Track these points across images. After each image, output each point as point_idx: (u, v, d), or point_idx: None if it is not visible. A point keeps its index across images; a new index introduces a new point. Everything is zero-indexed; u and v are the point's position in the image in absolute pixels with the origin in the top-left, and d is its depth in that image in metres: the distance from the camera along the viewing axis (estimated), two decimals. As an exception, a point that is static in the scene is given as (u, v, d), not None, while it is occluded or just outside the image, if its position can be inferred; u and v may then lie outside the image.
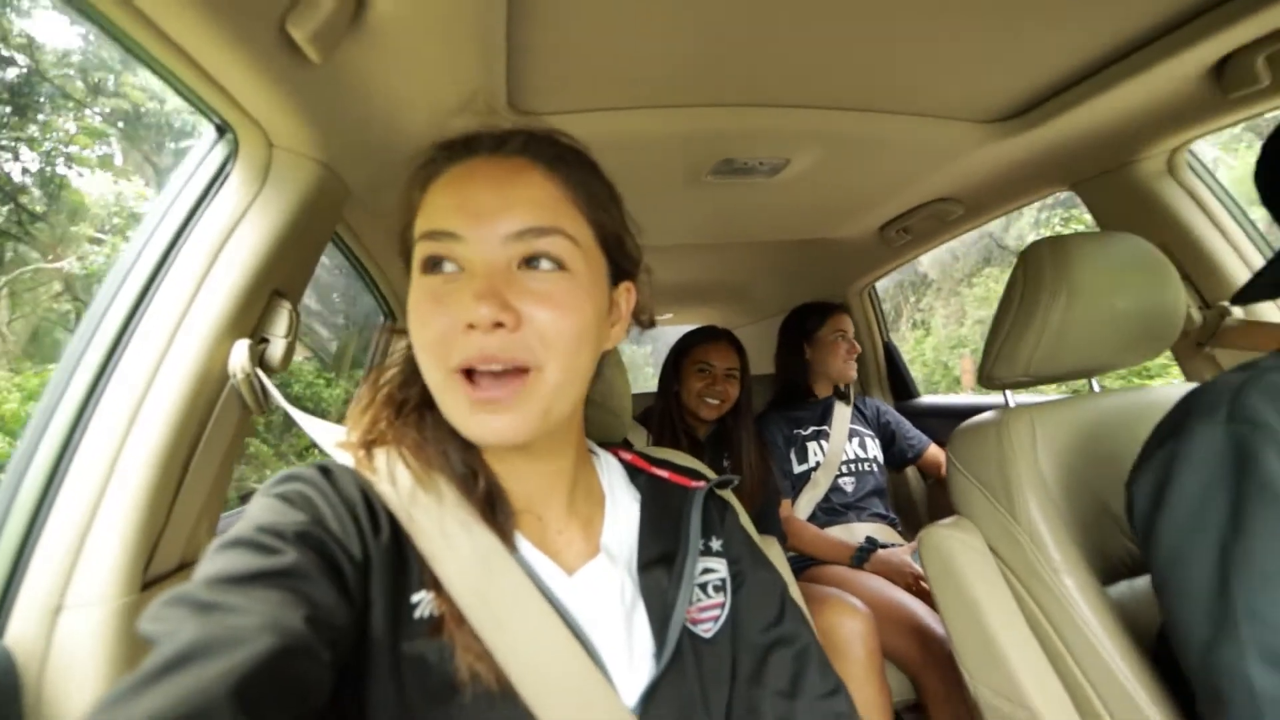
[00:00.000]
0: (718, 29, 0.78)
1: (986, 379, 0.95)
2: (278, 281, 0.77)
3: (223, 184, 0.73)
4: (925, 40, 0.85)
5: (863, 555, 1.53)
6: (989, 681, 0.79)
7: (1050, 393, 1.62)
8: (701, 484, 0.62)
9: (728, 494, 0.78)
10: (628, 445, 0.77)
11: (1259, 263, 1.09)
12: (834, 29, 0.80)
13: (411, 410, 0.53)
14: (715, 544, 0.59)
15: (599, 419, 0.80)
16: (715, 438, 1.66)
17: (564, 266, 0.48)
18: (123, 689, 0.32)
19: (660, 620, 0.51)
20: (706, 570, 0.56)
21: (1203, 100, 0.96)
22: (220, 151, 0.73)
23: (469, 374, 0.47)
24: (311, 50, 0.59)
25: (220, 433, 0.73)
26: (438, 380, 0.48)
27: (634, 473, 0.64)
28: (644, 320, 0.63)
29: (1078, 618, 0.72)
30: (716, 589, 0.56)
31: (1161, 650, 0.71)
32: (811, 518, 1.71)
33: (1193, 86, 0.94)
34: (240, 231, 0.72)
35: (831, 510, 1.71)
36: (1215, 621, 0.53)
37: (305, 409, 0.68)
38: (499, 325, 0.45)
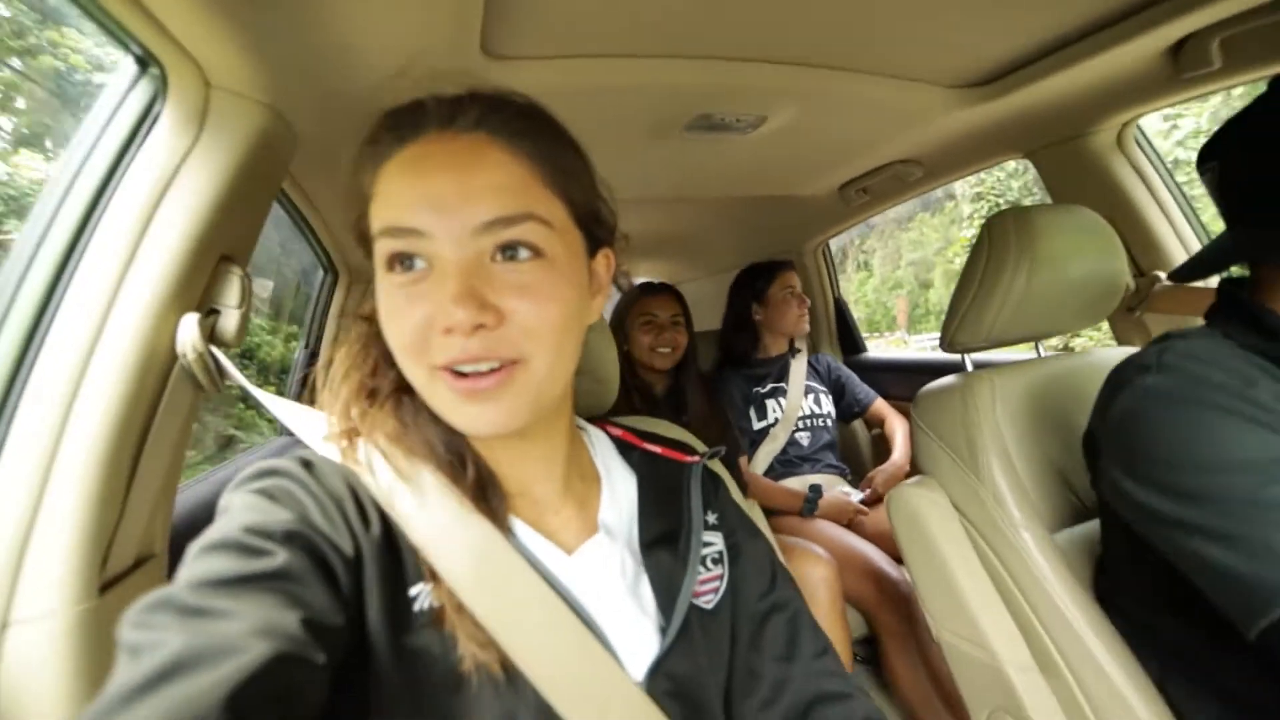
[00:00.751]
0: None
1: (949, 344, 0.99)
2: (226, 245, 0.69)
3: (150, 129, 0.62)
4: (902, 2, 0.84)
5: (811, 504, 1.62)
6: (952, 626, 0.86)
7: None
8: (696, 459, 0.62)
9: (715, 464, 0.79)
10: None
11: (1187, 233, 1.19)
12: None
13: (387, 397, 0.50)
14: (711, 518, 0.59)
15: (587, 388, 0.78)
16: (671, 395, 1.68)
17: (540, 253, 0.44)
18: (110, 701, 0.30)
19: (666, 596, 0.52)
20: (706, 544, 0.57)
21: (1157, 78, 1.01)
22: (143, 90, 0.62)
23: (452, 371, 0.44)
24: None
25: (172, 416, 0.65)
26: (421, 377, 0.45)
27: (626, 449, 0.63)
28: (621, 283, 0.60)
29: (1033, 567, 0.79)
30: (715, 561, 0.57)
31: (1101, 588, 0.79)
32: (769, 470, 1.78)
33: (1150, 65, 0.98)
34: (178, 186, 0.63)
35: (788, 463, 1.79)
36: (1226, 526, 0.56)
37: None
38: (480, 327, 0.42)
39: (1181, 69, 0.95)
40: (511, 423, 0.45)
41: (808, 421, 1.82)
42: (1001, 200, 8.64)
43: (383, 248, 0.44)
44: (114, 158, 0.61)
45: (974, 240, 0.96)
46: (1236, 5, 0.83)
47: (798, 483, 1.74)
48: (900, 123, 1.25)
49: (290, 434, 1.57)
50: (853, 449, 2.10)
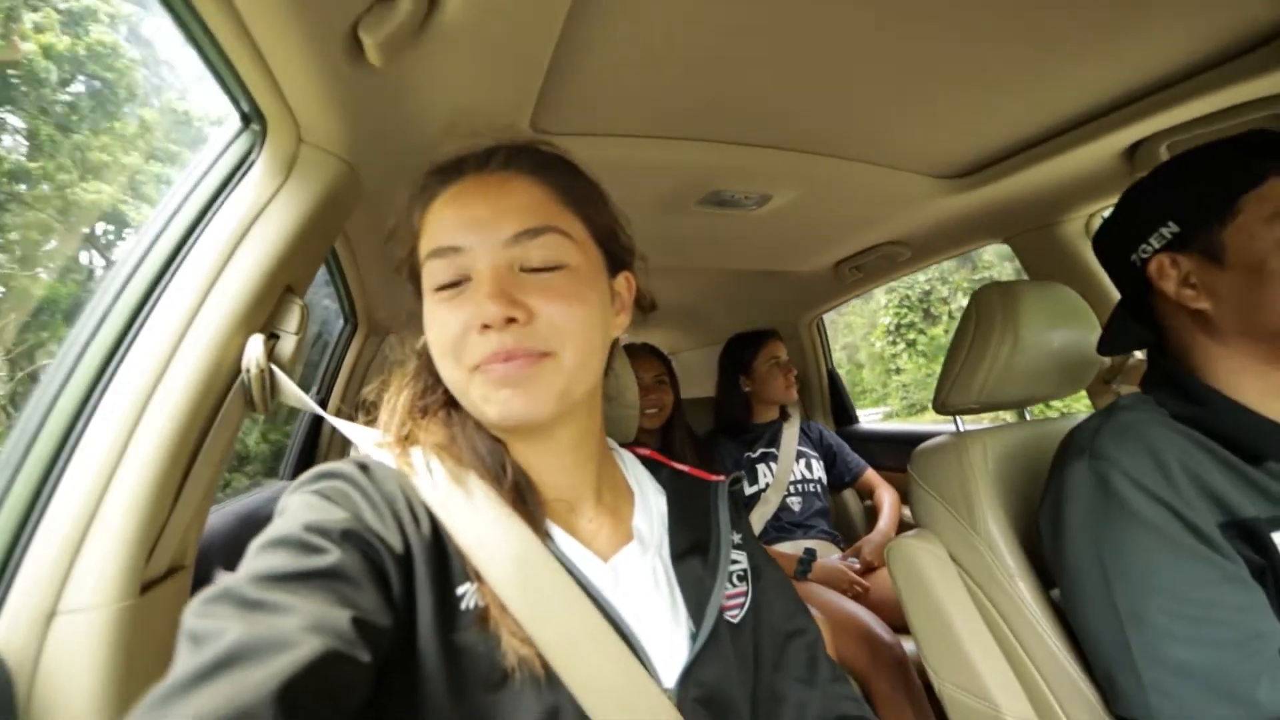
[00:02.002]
0: (726, 71, 0.86)
1: (941, 405, 1.06)
2: (290, 277, 0.76)
3: (244, 176, 0.71)
4: (893, 101, 0.97)
5: (805, 566, 1.63)
6: (954, 679, 0.87)
7: (984, 420, 1.81)
8: (721, 478, 0.67)
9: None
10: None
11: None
12: (817, 81, 0.90)
13: (436, 411, 0.55)
14: (736, 537, 0.63)
15: (614, 414, 0.83)
16: (661, 453, 1.71)
17: (563, 262, 0.51)
18: (168, 689, 0.32)
19: (696, 604, 0.54)
20: (733, 560, 0.60)
21: (1115, 177, 1.15)
22: (244, 142, 0.72)
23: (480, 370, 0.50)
24: (376, 55, 0.60)
25: (224, 430, 0.70)
26: (459, 379, 0.51)
27: (655, 467, 0.68)
28: (645, 305, 0.66)
29: (1030, 616, 0.82)
30: (740, 578, 0.60)
31: None
32: (762, 535, 1.79)
33: (1107, 165, 1.12)
34: (260, 224, 0.71)
35: (781, 528, 1.80)
36: (1109, 626, 0.66)
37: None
38: (512, 320, 0.48)
39: (1135, 169, 1.09)
40: (540, 410, 0.50)
41: (799, 486, 1.85)
42: (911, 291, 9.21)
43: (431, 270, 0.51)
44: (210, 196, 0.69)
45: (963, 311, 1.05)
46: (1181, 115, 0.97)
47: (791, 548, 1.75)
48: (891, 207, 1.38)
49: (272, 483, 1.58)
50: (845, 518, 2.11)
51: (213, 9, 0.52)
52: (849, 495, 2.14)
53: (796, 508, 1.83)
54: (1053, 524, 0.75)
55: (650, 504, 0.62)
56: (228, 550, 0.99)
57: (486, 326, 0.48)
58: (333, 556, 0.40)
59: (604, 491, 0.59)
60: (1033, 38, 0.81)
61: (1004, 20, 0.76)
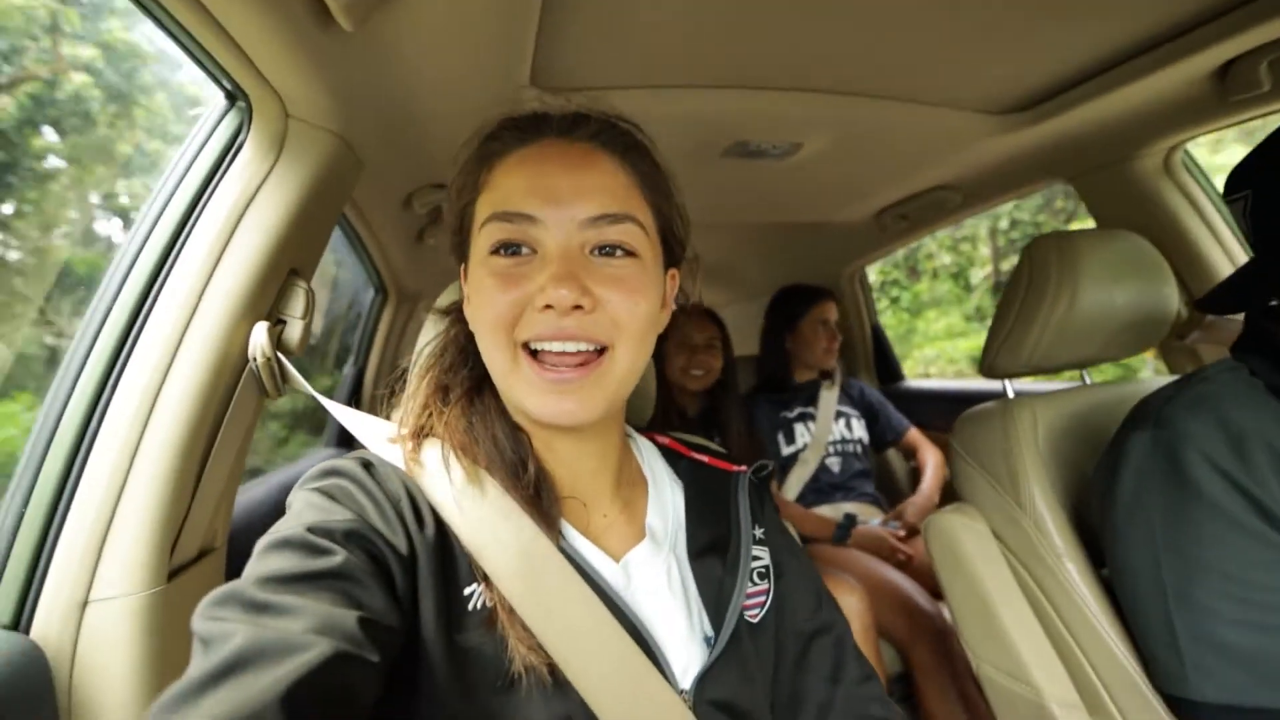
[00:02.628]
0: (738, 11, 0.77)
1: (989, 369, 0.98)
2: (293, 260, 0.74)
3: (234, 157, 0.69)
4: (940, 31, 0.85)
5: (844, 531, 1.58)
6: (992, 659, 0.83)
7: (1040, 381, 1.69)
8: (743, 469, 0.63)
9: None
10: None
11: (1243, 259, 1.15)
12: (852, 16, 0.80)
13: (460, 397, 0.53)
14: (758, 532, 0.60)
15: (631, 401, 0.80)
16: (705, 415, 1.68)
17: (635, 253, 0.49)
18: (179, 693, 0.32)
19: (715, 606, 0.52)
20: (754, 557, 0.57)
21: (1204, 102, 0.99)
22: (231, 122, 0.69)
23: (534, 354, 0.47)
24: (343, 17, 0.55)
25: (239, 417, 0.71)
26: (504, 359, 0.48)
27: (673, 457, 0.64)
28: (688, 305, 0.64)
29: (1078, 599, 0.77)
30: (761, 575, 0.57)
31: None
32: (800, 497, 1.75)
33: (1196, 88, 0.97)
34: (256, 207, 0.69)
35: (820, 490, 1.76)
36: (1154, 600, 0.63)
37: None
38: (577, 308, 0.45)
39: (1229, 91, 0.94)
40: (590, 415, 0.48)
41: (838, 447, 1.79)
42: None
43: (490, 231, 0.48)
44: (203, 180, 0.68)
45: (1015, 265, 0.95)
46: None
47: (830, 510, 1.71)
48: (938, 149, 1.25)
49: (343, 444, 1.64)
50: (889, 479, 2.05)
51: None
52: (893, 455, 2.07)
53: (836, 469, 1.78)
54: (1104, 491, 0.70)
55: (666, 498, 0.59)
56: (270, 524, 1.03)
57: (549, 307, 0.45)
58: (338, 557, 0.40)
59: (621, 483, 0.57)
60: None
61: None
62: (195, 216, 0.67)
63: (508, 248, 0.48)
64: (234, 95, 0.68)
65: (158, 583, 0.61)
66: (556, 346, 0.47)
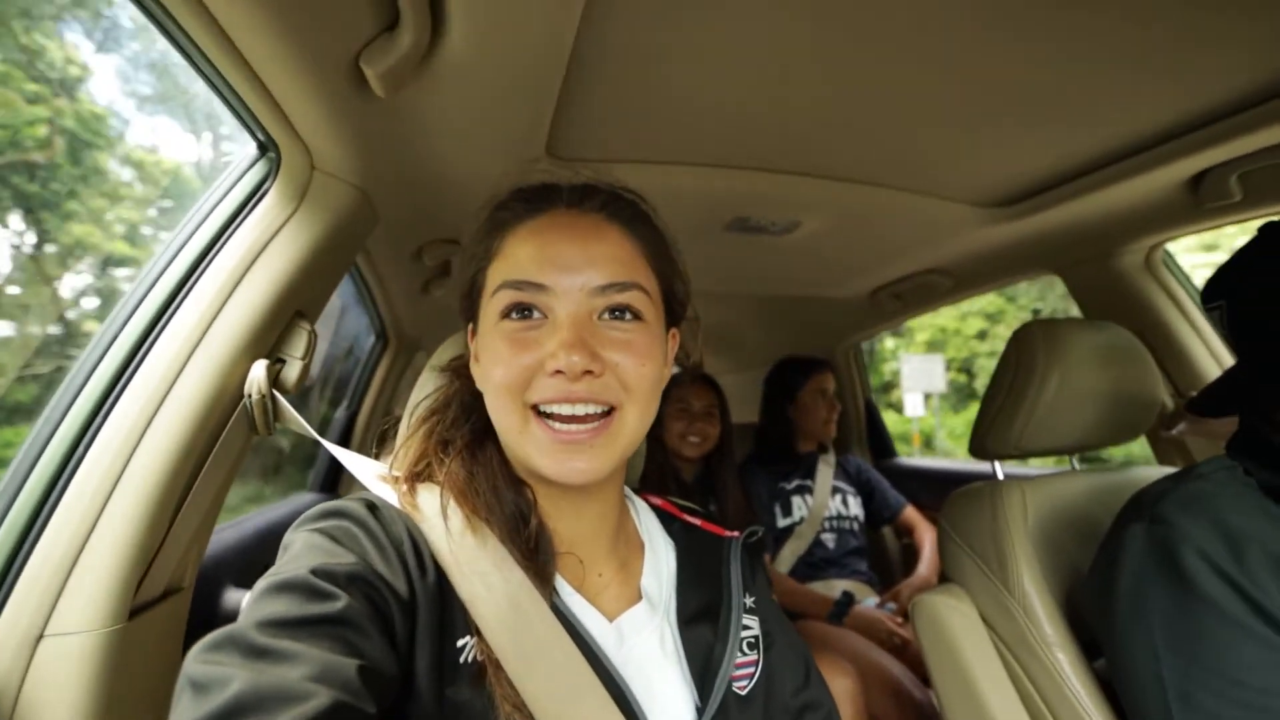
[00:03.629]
0: (748, 96, 0.83)
1: (978, 449, 0.98)
2: (300, 302, 0.76)
3: (258, 203, 0.72)
4: (931, 128, 0.91)
5: (840, 610, 1.53)
6: (981, 753, 0.79)
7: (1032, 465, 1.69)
8: (735, 534, 0.62)
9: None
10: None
11: (1224, 356, 1.18)
12: (853, 107, 0.86)
13: (461, 449, 0.53)
14: (749, 600, 0.59)
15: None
16: (701, 481, 1.67)
17: (642, 318, 0.51)
18: None
19: (702, 674, 0.51)
20: (744, 626, 0.56)
21: (1180, 207, 1.05)
22: (259, 170, 0.73)
23: (544, 415, 0.48)
24: (379, 86, 0.60)
25: (225, 454, 0.71)
26: (515, 420, 0.49)
27: (667, 519, 0.64)
28: (689, 364, 0.65)
29: (1069, 692, 0.74)
30: (751, 646, 0.56)
31: None
32: (792, 571, 1.71)
33: (1172, 194, 1.02)
34: (271, 251, 0.72)
35: (813, 565, 1.72)
36: (1154, 703, 0.61)
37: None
38: (587, 373, 0.47)
39: (1203, 199, 0.99)
40: (598, 473, 0.48)
41: (834, 523, 1.76)
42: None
43: (502, 298, 0.50)
44: (225, 221, 0.71)
45: (1003, 350, 0.98)
46: (1254, 143, 0.87)
47: (823, 587, 1.66)
48: (929, 236, 1.31)
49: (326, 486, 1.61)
50: (882, 557, 2.01)
51: (212, 44, 0.53)
52: (886, 533, 2.04)
53: (831, 544, 1.75)
54: (1102, 587, 0.69)
55: (660, 560, 0.59)
56: (241, 568, 1.00)
57: (559, 372, 0.47)
58: (340, 603, 0.39)
59: (618, 542, 0.57)
60: (1085, 60, 0.74)
61: (1053, 41, 0.70)
62: (211, 256, 0.70)
63: (520, 310, 0.49)
64: (265, 146, 0.72)
65: (118, 620, 0.59)
66: (567, 410, 0.48)
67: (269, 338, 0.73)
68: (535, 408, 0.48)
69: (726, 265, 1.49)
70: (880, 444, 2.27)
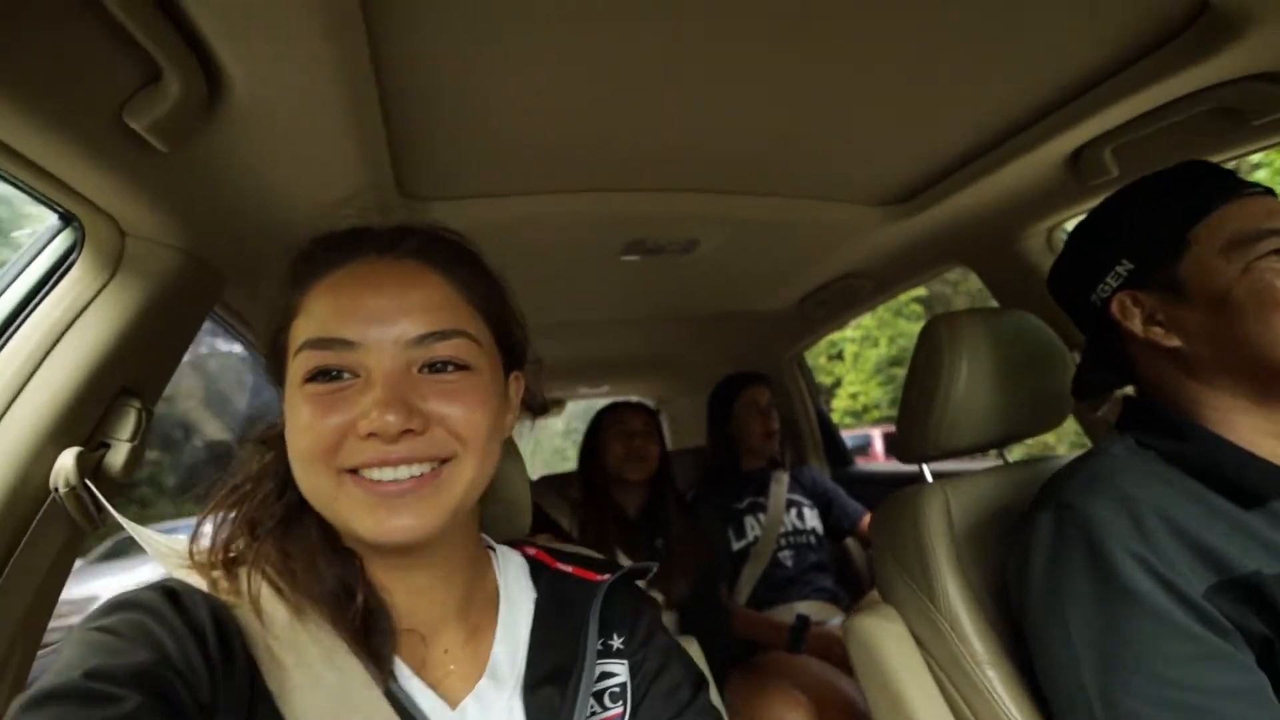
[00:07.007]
0: (612, 117, 0.80)
1: (905, 453, 0.94)
2: (127, 379, 0.70)
3: (61, 276, 0.66)
4: (819, 130, 0.90)
5: (797, 635, 1.46)
6: (920, 786, 0.73)
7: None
8: (607, 576, 0.56)
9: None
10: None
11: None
12: (728, 118, 0.83)
13: (273, 529, 0.48)
14: (616, 642, 0.53)
15: (495, 512, 0.74)
16: (646, 516, 1.60)
17: (469, 367, 0.46)
18: None
19: None
20: (605, 675, 0.51)
21: (1066, 186, 1.04)
22: (63, 241, 0.67)
23: (355, 472, 0.43)
24: (155, 140, 0.55)
25: (36, 556, 0.63)
26: (327, 486, 0.44)
27: (538, 570, 0.58)
28: (535, 406, 0.60)
29: (1001, 711, 0.68)
30: (614, 697, 0.50)
31: None
32: (753, 596, 1.64)
33: (1056, 174, 1.02)
34: (81, 326, 0.65)
35: (774, 586, 1.65)
36: (1079, 707, 0.58)
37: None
38: (407, 432, 0.42)
39: (1084, 177, 0.99)
40: (427, 531, 0.43)
41: (791, 539, 1.70)
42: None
43: (303, 360, 0.44)
44: (23, 298, 0.65)
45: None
46: (1119, 115, 0.87)
47: (785, 611, 1.59)
48: (835, 241, 1.29)
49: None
50: (849, 570, 1.94)
51: None
52: (852, 545, 1.98)
53: (789, 563, 1.68)
54: (1017, 582, 0.67)
55: (518, 621, 0.53)
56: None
57: (373, 434, 0.42)
58: (128, 704, 0.33)
59: (469, 608, 0.51)
60: (948, 50, 0.73)
61: (919, 38, 0.69)
62: (8, 335, 0.63)
63: (325, 374, 0.44)
64: (67, 217, 0.66)
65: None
66: (388, 475, 0.43)
67: (86, 420, 0.66)
68: (350, 470, 0.43)
69: (640, 289, 1.46)
70: (836, 453, 2.23)
